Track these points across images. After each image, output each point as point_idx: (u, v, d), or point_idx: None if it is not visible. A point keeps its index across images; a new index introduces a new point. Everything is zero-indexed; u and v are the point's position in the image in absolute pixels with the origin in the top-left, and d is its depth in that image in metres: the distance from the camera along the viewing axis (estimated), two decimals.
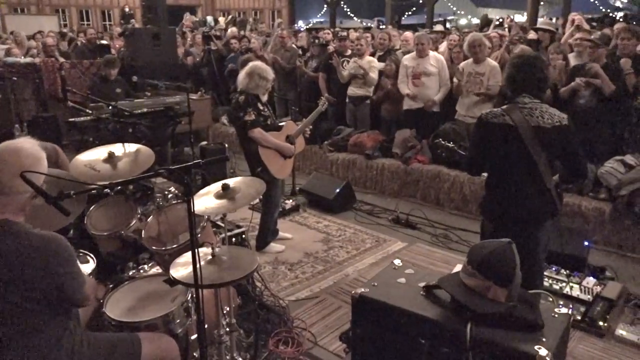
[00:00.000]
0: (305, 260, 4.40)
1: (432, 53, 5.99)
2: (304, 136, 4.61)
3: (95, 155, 2.99)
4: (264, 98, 4.18)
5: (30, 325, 1.80)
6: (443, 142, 3.33)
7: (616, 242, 4.51)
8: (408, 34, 7.33)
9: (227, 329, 2.57)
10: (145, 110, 5.82)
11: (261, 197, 4.34)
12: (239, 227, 3.88)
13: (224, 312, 2.58)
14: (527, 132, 2.55)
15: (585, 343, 3.17)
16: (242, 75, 4.11)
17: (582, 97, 4.81)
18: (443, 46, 6.84)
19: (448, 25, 18.50)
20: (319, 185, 5.78)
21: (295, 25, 21.31)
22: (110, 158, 2.94)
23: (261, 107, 4.12)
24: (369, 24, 18.38)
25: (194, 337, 2.46)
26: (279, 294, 3.73)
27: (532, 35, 6.57)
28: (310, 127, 4.73)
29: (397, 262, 2.31)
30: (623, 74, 4.77)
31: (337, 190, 5.55)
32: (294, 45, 8.13)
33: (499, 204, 2.74)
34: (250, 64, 4.19)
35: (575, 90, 4.85)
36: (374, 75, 6.40)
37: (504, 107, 2.68)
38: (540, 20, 11.81)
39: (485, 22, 10.43)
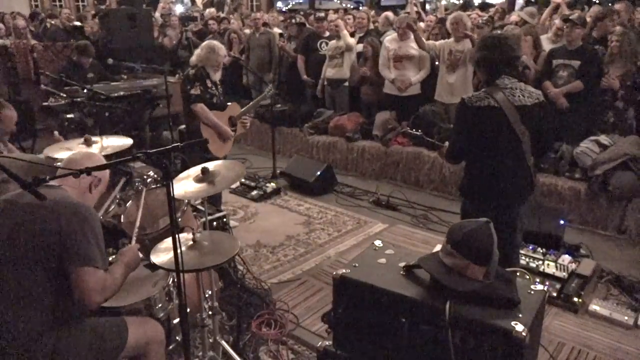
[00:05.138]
0: (286, 243, 4.41)
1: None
2: (244, 126, 4.58)
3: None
4: (215, 77, 4.25)
5: (22, 296, 1.82)
6: (410, 131, 3.39)
7: (591, 221, 4.62)
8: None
9: (210, 312, 2.58)
10: (122, 93, 5.69)
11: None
12: (219, 211, 3.87)
13: (206, 295, 2.58)
14: (511, 111, 2.62)
15: (561, 318, 3.27)
16: (197, 49, 4.29)
17: (560, 78, 4.88)
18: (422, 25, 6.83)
19: (428, 7, 18.40)
20: (299, 168, 5.78)
21: (275, 6, 20.94)
22: (87, 142, 2.89)
23: (209, 85, 4.23)
24: (348, 5, 18.19)
25: (176, 321, 2.47)
26: (261, 276, 3.75)
27: (514, 17, 6.61)
28: (251, 115, 4.70)
29: (377, 243, 2.32)
30: (599, 56, 4.84)
31: (318, 173, 5.56)
32: (273, 30, 7.94)
33: (483, 184, 2.78)
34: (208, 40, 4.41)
35: (554, 71, 4.92)
36: (352, 54, 6.38)
37: (485, 89, 2.70)
38: (520, 3, 11.86)
39: (467, 3, 10.42)
